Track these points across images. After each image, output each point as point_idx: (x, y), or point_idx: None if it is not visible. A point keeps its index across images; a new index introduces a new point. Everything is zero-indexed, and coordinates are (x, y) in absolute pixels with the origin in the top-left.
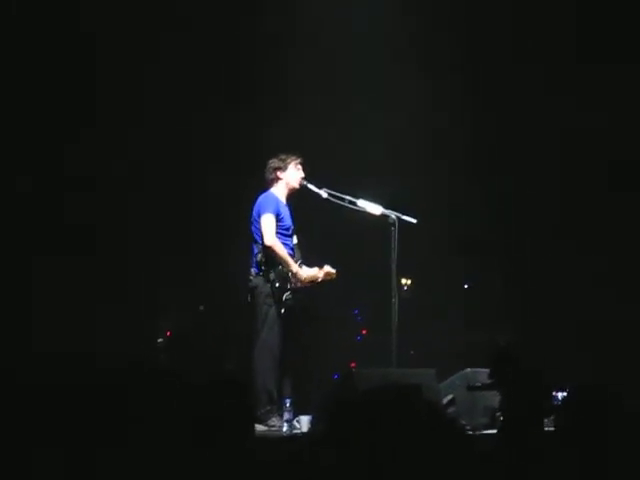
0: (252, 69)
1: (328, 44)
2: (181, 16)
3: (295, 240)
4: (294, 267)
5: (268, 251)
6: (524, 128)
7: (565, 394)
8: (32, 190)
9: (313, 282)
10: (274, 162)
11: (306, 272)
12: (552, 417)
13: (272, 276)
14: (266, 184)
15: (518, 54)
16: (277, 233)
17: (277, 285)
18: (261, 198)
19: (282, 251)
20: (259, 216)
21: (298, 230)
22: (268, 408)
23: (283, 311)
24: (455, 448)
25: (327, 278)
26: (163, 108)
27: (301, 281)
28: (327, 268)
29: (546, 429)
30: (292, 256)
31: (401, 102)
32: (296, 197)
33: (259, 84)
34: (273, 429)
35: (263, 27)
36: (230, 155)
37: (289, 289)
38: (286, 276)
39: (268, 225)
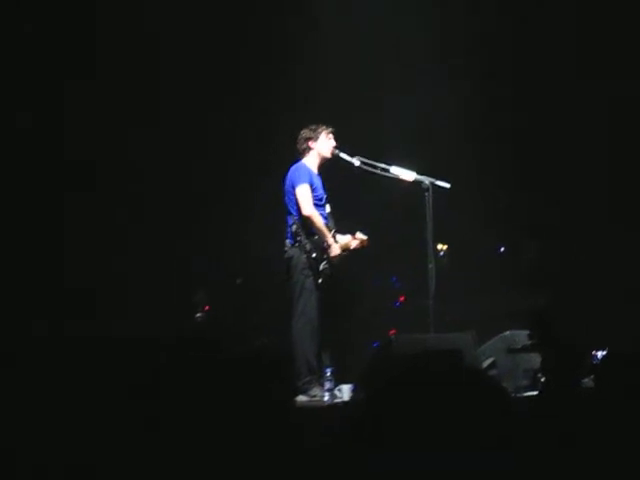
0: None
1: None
2: (189, 10)
3: (328, 209)
4: (330, 238)
5: (305, 221)
6: (559, 95)
7: (604, 353)
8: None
9: (346, 250)
10: (305, 132)
11: (340, 240)
12: (591, 377)
13: (309, 246)
14: (298, 155)
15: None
16: None
17: (314, 255)
18: (293, 169)
19: (319, 221)
20: (293, 187)
21: (331, 199)
22: (308, 379)
23: (320, 281)
24: (497, 410)
25: (359, 245)
26: (179, 99)
27: (336, 250)
28: (359, 235)
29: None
30: (326, 225)
31: (435, 71)
32: (330, 166)
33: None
34: (315, 399)
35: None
36: (261, 128)
37: (325, 259)
38: (322, 246)
39: (305, 195)
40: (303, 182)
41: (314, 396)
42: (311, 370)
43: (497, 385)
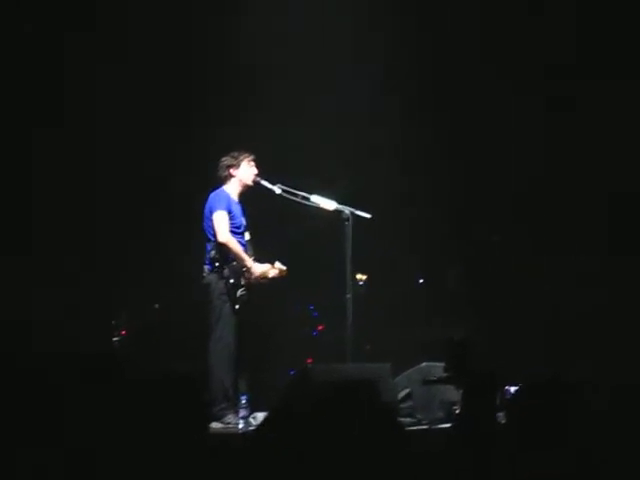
0: (205, 68)
1: (278, 43)
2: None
3: (247, 237)
4: (248, 263)
5: (222, 247)
6: (478, 121)
7: (516, 388)
8: None
9: (265, 278)
10: (227, 160)
11: (259, 268)
12: (504, 412)
13: (226, 272)
14: (219, 181)
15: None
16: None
17: (231, 281)
18: (212, 195)
19: (236, 247)
20: (211, 213)
21: (251, 227)
22: (224, 405)
23: (237, 307)
24: (396, 446)
25: (278, 275)
26: (120, 113)
27: (254, 277)
28: (278, 265)
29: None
30: (245, 252)
31: (355, 100)
32: (250, 193)
33: (212, 83)
34: (229, 426)
35: (216, 27)
36: (183, 155)
37: (243, 285)
38: (240, 272)
39: (221, 222)
40: (220, 208)
41: (228, 423)
42: (227, 397)
43: (397, 420)
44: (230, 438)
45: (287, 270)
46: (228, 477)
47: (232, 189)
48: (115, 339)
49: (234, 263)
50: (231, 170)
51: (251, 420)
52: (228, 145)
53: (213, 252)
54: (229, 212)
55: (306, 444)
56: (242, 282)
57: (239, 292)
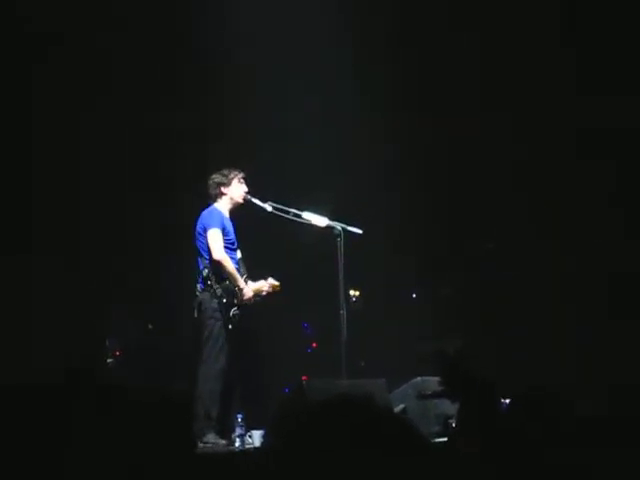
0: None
1: (262, 57)
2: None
3: (239, 254)
4: (241, 282)
5: (216, 265)
6: (471, 136)
7: (509, 401)
8: None
9: (258, 295)
10: (217, 177)
11: (252, 286)
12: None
13: (219, 291)
14: (209, 199)
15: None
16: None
17: (224, 301)
18: (205, 213)
19: (230, 266)
20: (204, 231)
21: (243, 245)
22: (205, 424)
23: (230, 327)
24: (414, 452)
25: (271, 290)
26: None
27: (247, 298)
28: (271, 280)
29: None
30: (238, 270)
31: (340, 114)
32: (240, 211)
33: (194, 98)
34: (208, 446)
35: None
36: (167, 172)
37: (236, 304)
38: (233, 291)
39: (216, 239)
40: (214, 226)
41: (207, 443)
42: (208, 416)
43: (411, 427)
44: (219, 457)
45: (280, 285)
46: None
47: (223, 206)
48: (109, 360)
49: (227, 282)
50: (222, 188)
51: (247, 438)
52: (217, 162)
53: (206, 270)
54: (223, 229)
55: (305, 460)
56: (235, 301)
57: (232, 311)
